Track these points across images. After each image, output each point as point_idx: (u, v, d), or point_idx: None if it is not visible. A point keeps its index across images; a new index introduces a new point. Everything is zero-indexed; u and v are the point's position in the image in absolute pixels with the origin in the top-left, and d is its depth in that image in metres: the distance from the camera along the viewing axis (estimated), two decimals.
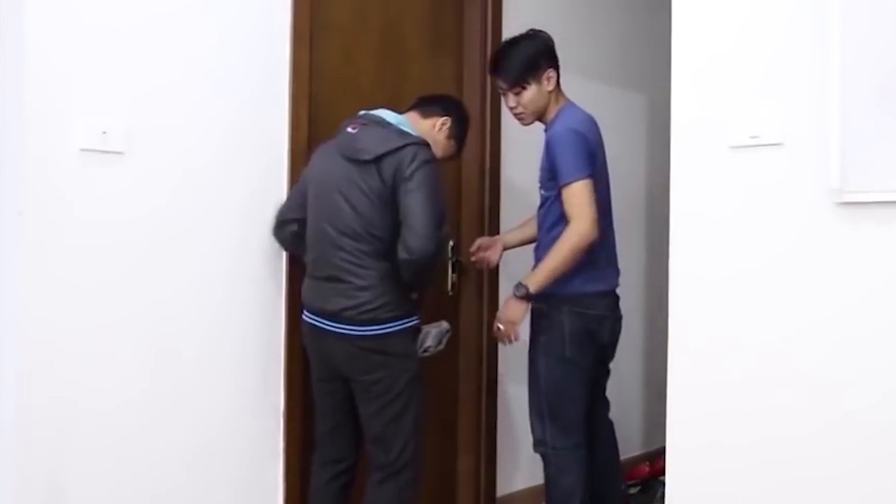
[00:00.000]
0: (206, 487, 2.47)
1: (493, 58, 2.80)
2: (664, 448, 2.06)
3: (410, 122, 2.49)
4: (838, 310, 1.79)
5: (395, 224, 2.33)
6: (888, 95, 1.71)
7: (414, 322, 2.43)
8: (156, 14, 2.33)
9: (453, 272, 3.21)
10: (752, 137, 1.89)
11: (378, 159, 2.31)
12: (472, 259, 3.02)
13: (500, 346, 3.35)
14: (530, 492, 3.44)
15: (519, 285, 2.57)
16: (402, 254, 2.29)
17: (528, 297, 2.56)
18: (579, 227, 2.48)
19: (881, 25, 1.72)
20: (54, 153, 2.16)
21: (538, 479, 3.31)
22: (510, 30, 3.34)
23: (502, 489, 3.39)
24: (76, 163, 2.19)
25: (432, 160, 2.37)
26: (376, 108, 2.51)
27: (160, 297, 2.36)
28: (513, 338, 2.65)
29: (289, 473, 2.66)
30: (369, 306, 2.32)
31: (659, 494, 3.34)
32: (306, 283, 2.47)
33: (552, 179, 2.61)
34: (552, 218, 2.65)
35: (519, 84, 2.65)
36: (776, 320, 1.87)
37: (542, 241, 2.71)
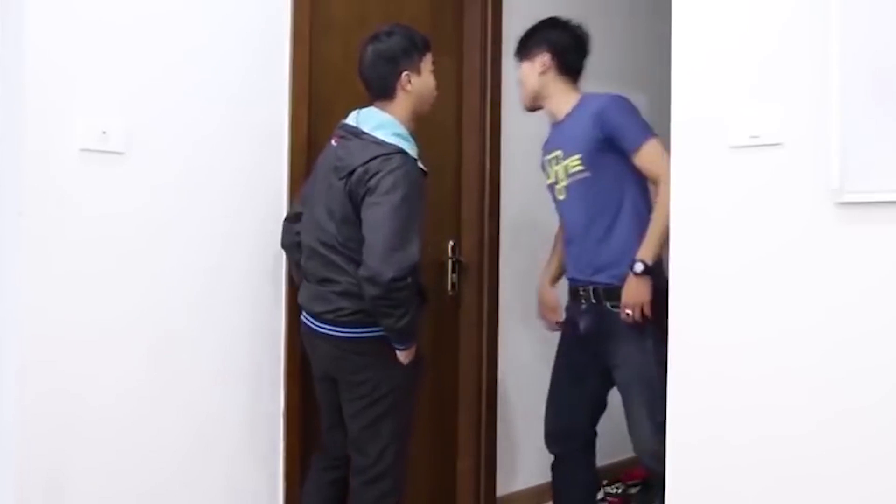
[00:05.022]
0: (206, 483, 2.47)
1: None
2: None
3: (387, 117, 2.35)
4: (838, 309, 1.79)
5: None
6: (888, 95, 1.71)
7: None
8: (155, 15, 2.33)
9: (453, 272, 3.21)
10: (752, 137, 1.89)
11: (351, 173, 2.26)
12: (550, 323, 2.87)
13: (502, 347, 3.35)
14: (530, 492, 3.44)
15: (635, 262, 2.45)
16: (361, 271, 2.21)
17: (647, 270, 2.43)
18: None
19: (880, 25, 1.72)
20: (54, 153, 2.16)
21: (538, 479, 3.33)
22: (510, 30, 3.35)
23: (502, 489, 3.39)
24: (76, 163, 2.19)
25: (402, 167, 2.22)
26: (364, 107, 2.42)
27: (160, 296, 2.36)
28: (637, 316, 2.45)
29: (289, 470, 2.66)
30: (346, 311, 2.30)
31: (659, 494, 3.33)
32: (301, 285, 2.48)
33: (603, 151, 2.52)
34: (598, 202, 2.57)
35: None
36: (776, 319, 1.87)
37: (586, 241, 2.61)
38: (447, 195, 3.24)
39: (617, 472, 3.71)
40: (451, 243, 3.21)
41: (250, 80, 2.57)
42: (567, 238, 2.73)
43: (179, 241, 2.40)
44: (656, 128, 2.53)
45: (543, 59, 2.68)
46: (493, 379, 3.32)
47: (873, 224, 1.75)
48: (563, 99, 2.68)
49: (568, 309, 2.76)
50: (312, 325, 2.40)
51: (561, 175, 2.66)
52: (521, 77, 2.74)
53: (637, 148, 2.49)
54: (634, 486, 3.67)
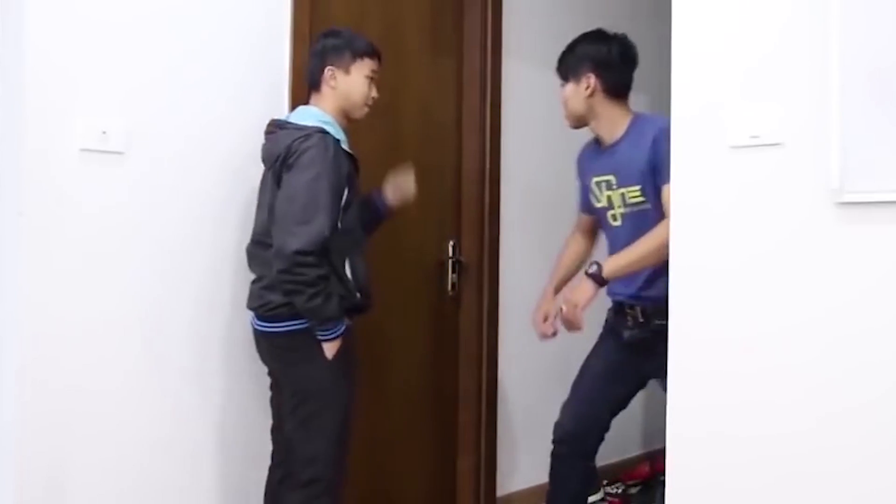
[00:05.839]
0: (206, 478, 2.48)
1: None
2: (664, 448, 2.06)
3: (314, 109, 2.39)
4: (837, 308, 1.79)
5: None
6: (887, 95, 1.71)
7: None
8: (154, 14, 2.34)
9: (453, 272, 3.21)
10: (752, 137, 1.89)
11: (276, 160, 2.29)
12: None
13: (502, 347, 3.35)
14: (530, 492, 3.44)
15: (594, 264, 2.43)
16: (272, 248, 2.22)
17: (598, 277, 2.41)
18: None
19: (880, 25, 1.72)
20: (54, 153, 2.16)
21: (538, 479, 3.32)
22: (510, 30, 3.35)
23: (502, 489, 3.40)
24: (76, 163, 2.19)
25: (320, 144, 2.22)
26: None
27: (160, 295, 2.36)
28: (576, 323, 2.43)
29: None
30: (273, 304, 2.29)
31: (659, 494, 3.34)
32: None
33: (654, 179, 2.42)
34: (649, 230, 2.42)
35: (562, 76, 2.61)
36: (775, 317, 1.87)
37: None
38: (447, 195, 3.24)
39: (617, 472, 3.71)
40: (451, 243, 3.21)
41: (251, 81, 2.57)
42: None
43: (179, 240, 2.40)
44: None
45: (588, 79, 2.53)
46: (493, 379, 3.32)
47: (873, 224, 1.75)
48: (613, 121, 2.56)
49: (609, 320, 2.69)
50: (253, 324, 2.41)
51: (616, 202, 2.56)
52: (565, 98, 2.59)
53: (666, 184, 2.28)
54: (634, 486, 3.68)
